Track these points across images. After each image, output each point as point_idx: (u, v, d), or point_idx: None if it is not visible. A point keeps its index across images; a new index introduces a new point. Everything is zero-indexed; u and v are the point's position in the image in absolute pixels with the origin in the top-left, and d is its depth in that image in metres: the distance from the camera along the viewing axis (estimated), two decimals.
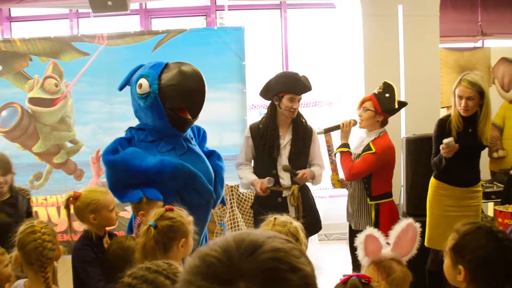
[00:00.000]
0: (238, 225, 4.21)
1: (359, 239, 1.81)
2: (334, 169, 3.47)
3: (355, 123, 3.44)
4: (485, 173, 4.12)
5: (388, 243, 1.84)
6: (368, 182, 3.31)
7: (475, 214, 3.27)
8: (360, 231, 1.93)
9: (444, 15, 4.92)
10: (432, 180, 3.36)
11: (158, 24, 5.83)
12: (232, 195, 4.27)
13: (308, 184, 3.43)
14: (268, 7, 6.02)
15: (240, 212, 4.29)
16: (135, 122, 2.83)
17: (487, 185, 4.59)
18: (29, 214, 3.30)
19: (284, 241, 0.74)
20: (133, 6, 5.26)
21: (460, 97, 3.15)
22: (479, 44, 5.64)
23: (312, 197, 3.44)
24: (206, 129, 3.05)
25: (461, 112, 3.17)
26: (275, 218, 1.96)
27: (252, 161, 3.45)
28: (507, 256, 1.62)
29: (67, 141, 4.73)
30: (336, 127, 3.46)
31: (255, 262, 0.69)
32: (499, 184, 4.64)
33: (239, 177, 3.40)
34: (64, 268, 2.74)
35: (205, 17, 5.90)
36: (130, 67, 2.81)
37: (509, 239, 1.65)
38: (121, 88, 2.78)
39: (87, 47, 4.63)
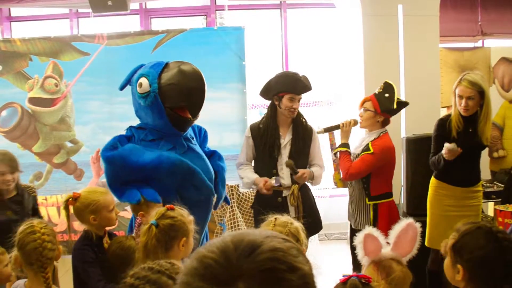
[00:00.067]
0: (238, 225, 4.21)
1: (358, 239, 1.81)
2: (336, 168, 3.47)
3: (355, 123, 3.45)
4: (485, 173, 4.12)
5: (388, 243, 1.84)
6: (367, 182, 3.31)
7: (476, 214, 3.27)
8: (360, 230, 1.93)
9: (444, 15, 4.92)
10: (433, 180, 3.36)
11: (158, 24, 5.83)
12: (232, 195, 4.27)
13: (308, 184, 3.43)
14: (268, 7, 6.02)
15: (240, 212, 4.29)
16: (135, 122, 2.83)
17: (487, 185, 4.59)
18: (35, 211, 3.31)
19: (282, 240, 0.74)
20: (133, 6, 5.25)
21: (460, 97, 3.15)
22: (479, 44, 5.64)
23: (313, 196, 3.44)
24: (206, 129, 3.06)
25: (461, 112, 3.17)
26: (275, 219, 1.96)
27: (253, 161, 3.45)
28: (506, 256, 1.61)
29: (67, 141, 4.73)
30: (336, 127, 3.47)
31: (253, 263, 0.68)
32: (499, 184, 4.64)
33: (240, 177, 3.40)
34: (64, 268, 2.74)
35: (205, 17, 5.90)
36: (130, 67, 2.81)
37: (508, 239, 1.65)
38: (122, 88, 2.78)
39: (87, 47, 4.64)
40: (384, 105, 3.31)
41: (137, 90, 2.61)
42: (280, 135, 3.33)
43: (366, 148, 3.30)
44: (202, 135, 2.99)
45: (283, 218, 1.96)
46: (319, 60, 5.86)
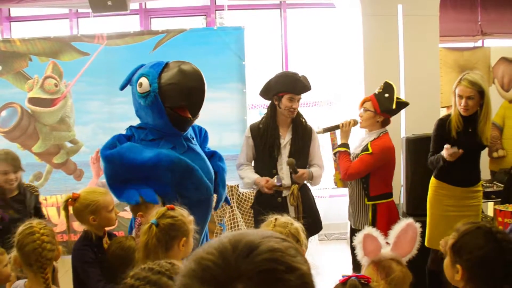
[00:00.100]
0: (238, 225, 4.21)
1: (358, 239, 1.81)
2: (337, 168, 3.47)
3: (355, 123, 3.45)
4: (485, 172, 4.12)
5: (387, 243, 1.84)
6: (366, 182, 3.31)
7: (476, 214, 3.27)
8: (359, 230, 1.93)
9: (444, 15, 4.92)
10: (433, 180, 3.36)
11: (157, 24, 5.83)
12: (232, 195, 4.26)
13: (308, 184, 3.43)
14: (267, 7, 6.02)
15: (240, 212, 4.29)
16: (135, 122, 2.83)
17: (487, 184, 4.59)
18: (37, 210, 3.34)
19: (279, 240, 0.74)
20: (133, 6, 5.25)
21: (460, 97, 3.15)
22: (479, 43, 5.64)
23: (312, 197, 3.44)
24: (206, 128, 3.06)
25: (461, 112, 3.17)
26: (276, 219, 1.95)
27: (253, 161, 3.45)
28: (505, 256, 1.61)
29: (67, 141, 4.73)
30: (335, 127, 3.47)
31: (251, 264, 0.68)
32: (499, 184, 4.64)
33: (241, 177, 3.40)
34: (64, 269, 2.74)
35: (204, 17, 5.90)
36: (130, 67, 2.81)
37: (508, 240, 1.65)
38: (122, 88, 2.79)
39: (86, 47, 4.64)
40: (384, 105, 3.31)
41: (137, 89, 2.62)
42: (280, 135, 3.33)
43: (365, 148, 3.30)
44: (202, 135, 2.99)
45: (283, 218, 1.96)
46: (319, 60, 5.86)
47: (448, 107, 4.36)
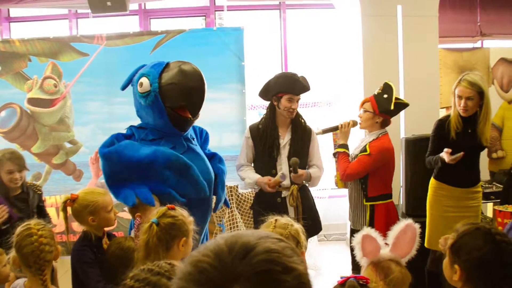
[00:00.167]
0: (237, 226, 4.21)
1: (356, 239, 1.81)
2: (338, 169, 3.48)
3: (354, 124, 3.45)
4: (484, 173, 4.12)
5: (386, 244, 1.84)
6: (365, 183, 3.32)
7: (475, 215, 3.27)
8: (358, 231, 1.93)
9: (443, 16, 4.93)
10: (432, 181, 3.37)
11: (157, 25, 5.83)
12: (232, 195, 4.26)
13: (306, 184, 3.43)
14: (267, 7, 6.02)
15: (239, 213, 4.29)
16: (134, 123, 2.83)
17: (486, 185, 4.59)
18: (40, 209, 3.36)
19: (276, 241, 0.74)
20: (132, 6, 5.25)
21: (460, 97, 3.15)
22: (478, 44, 5.64)
23: (312, 197, 3.44)
24: (205, 129, 3.06)
25: (460, 112, 3.17)
26: (276, 220, 1.95)
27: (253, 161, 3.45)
28: (504, 258, 1.61)
29: (66, 142, 4.73)
30: (334, 128, 3.48)
31: (248, 265, 0.68)
32: (498, 185, 4.64)
33: (242, 177, 3.40)
34: (63, 269, 2.74)
35: (204, 17, 5.90)
36: (129, 68, 2.81)
37: (507, 241, 1.65)
38: (123, 88, 2.80)
39: (86, 48, 4.63)
40: (383, 106, 3.31)
41: (138, 89, 2.63)
42: (279, 136, 3.33)
43: (364, 149, 3.30)
44: (203, 136, 2.99)
45: (283, 219, 1.96)
46: (318, 61, 5.87)
47: (448, 107, 4.36)
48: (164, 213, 2.00)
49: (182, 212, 2.04)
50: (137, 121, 2.81)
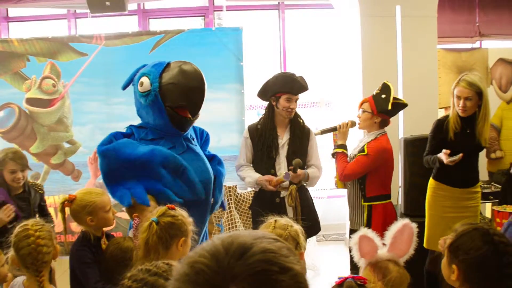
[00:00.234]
0: (236, 226, 4.21)
1: (353, 240, 1.81)
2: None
3: (352, 124, 3.46)
4: (482, 173, 4.13)
5: (384, 244, 1.84)
6: (363, 183, 3.32)
7: (474, 215, 3.27)
8: (356, 231, 1.93)
9: (442, 16, 4.93)
10: (431, 181, 3.37)
11: (156, 25, 5.83)
12: (230, 196, 4.26)
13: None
14: (266, 7, 6.02)
15: (238, 213, 4.29)
16: (133, 123, 2.83)
17: (485, 185, 4.59)
18: (41, 208, 3.39)
19: (272, 241, 0.74)
20: (131, 6, 5.25)
21: (459, 97, 3.15)
22: (476, 45, 5.65)
23: (311, 197, 3.44)
24: (204, 129, 3.06)
25: (459, 113, 3.18)
26: (275, 221, 1.95)
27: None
28: (501, 258, 1.61)
29: (65, 142, 4.72)
30: (333, 129, 3.48)
31: (245, 266, 0.68)
32: (497, 185, 4.64)
33: (242, 177, 3.40)
34: (61, 269, 2.73)
35: (203, 17, 5.90)
36: (128, 68, 2.81)
37: (505, 242, 1.65)
38: (124, 87, 2.81)
39: (85, 48, 4.63)
40: (381, 106, 3.31)
41: (138, 89, 2.64)
42: (278, 135, 3.33)
43: (362, 150, 3.31)
44: (204, 138, 3.00)
45: (282, 220, 1.96)
46: (317, 61, 5.87)
47: (446, 108, 4.36)
48: (164, 212, 2.00)
49: (181, 212, 2.04)
50: (135, 121, 2.81)
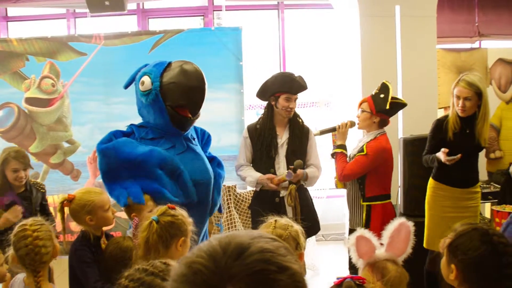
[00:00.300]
0: (235, 226, 4.21)
1: (350, 241, 1.81)
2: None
3: (352, 124, 3.46)
4: (482, 173, 4.13)
5: (382, 244, 1.84)
6: (362, 183, 3.32)
7: (474, 215, 3.27)
8: (355, 230, 1.93)
9: (441, 16, 4.93)
10: (431, 181, 3.37)
11: (155, 24, 5.83)
12: (230, 195, 4.26)
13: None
14: (265, 7, 6.02)
15: (237, 213, 4.28)
16: (132, 122, 2.83)
17: (484, 185, 4.59)
18: (43, 207, 3.40)
19: (269, 240, 0.74)
20: (131, 6, 5.25)
21: (458, 97, 3.15)
22: (476, 45, 5.65)
23: (310, 197, 3.44)
24: (203, 128, 3.05)
25: (458, 113, 3.18)
26: (275, 221, 1.95)
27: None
28: (500, 259, 1.62)
29: (64, 141, 4.71)
30: (332, 129, 3.48)
31: (242, 265, 0.68)
32: (496, 185, 4.65)
33: (242, 177, 3.40)
34: (60, 269, 2.73)
35: (202, 17, 5.90)
36: (128, 67, 2.82)
37: (504, 243, 1.66)
38: (126, 86, 2.82)
39: (84, 47, 4.62)
40: (380, 106, 3.32)
41: (139, 88, 2.64)
42: (277, 135, 3.34)
43: (361, 149, 3.31)
44: (205, 138, 3.00)
45: (283, 220, 1.95)
46: (316, 61, 5.87)
47: (446, 108, 4.36)
48: (164, 211, 2.00)
49: (182, 212, 2.04)
50: (135, 121, 2.82)
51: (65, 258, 2.39)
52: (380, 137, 3.34)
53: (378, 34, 4.52)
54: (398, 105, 3.40)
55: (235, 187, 4.29)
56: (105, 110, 4.62)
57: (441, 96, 4.79)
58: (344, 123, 3.45)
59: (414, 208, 3.76)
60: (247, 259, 0.69)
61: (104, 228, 2.48)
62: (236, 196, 4.32)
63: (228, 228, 4.18)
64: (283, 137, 3.35)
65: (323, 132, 3.51)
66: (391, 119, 3.45)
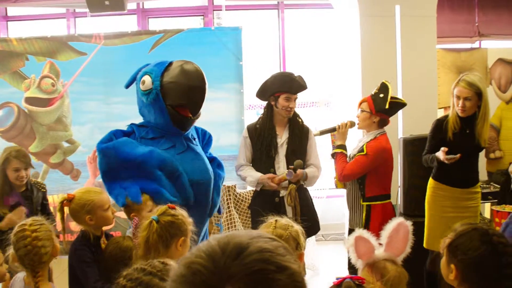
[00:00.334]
0: (235, 226, 4.21)
1: (349, 242, 1.81)
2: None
3: (351, 124, 3.46)
4: (481, 173, 4.14)
5: (380, 244, 1.84)
6: (362, 183, 3.32)
7: (474, 215, 3.27)
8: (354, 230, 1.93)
9: (441, 16, 4.93)
10: (431, 181, 3.36)
11: (155, 24, 5.83)
12: (229, 195, 4.26)
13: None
14: (265, 7, 6.02)
15: (237, 213, 4.28)
16: (132, 122, 2.84)
17: (484, 185, 4.59)
18: (43, 206, 3.40)
19: (268, 240, 0.74)
20: (130, 5, 5.25)
21: (458, 97, 3.15)
22: (476, 45, 5.65)
23: (310, 197, 3.44)
24: (203, 128, 3.05)
25: (458, 113, 3.18)
26: (276, 221, 1.95)
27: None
28: (500, 259, 1.62)
29: (64, 141, 4.71)
30: (332, 129, 3.48)
31: (241, 265, 0.68)
32: (496, 185, 4.65)
33: (243, 177, 3.40)
34: (60, 268, 2.73)
35: (202, 17, 5.90)
36: (128, 67, 2.82)
37: (503, 243, 1.66)
38: (127, 86, 2.82)
39: (84, 47, 4.62)
40: (379, 105, 3.32)
41: (140, 87, 2.65)
42: (277, 134, 3.34)
43: (361, 149, 3.31)
44: (206, 139, 3.00)
45: (283, 220, 1.95)
46: (316, 61, 5.87)
47: (446, 108, 4.37)
48: (165, 211, 2.00)
49: (182, 212, 2.04)
50: (134, 121, 2.82)
51: (65, 258, 2.39)
52: (380, 137, 3.34)
53: (378, 34, 4.52)
54: (397, 105, 3.40)
55: (234, 187, 4.29)
56: (105, 109, 4.62)
57: (441, 96, 4.79)
58: (344, 123, 3.45)
59: (414, 208, 3.76)
60: (246, 259, 0.69)
61: (104, 228, 2.48)
62: (236, 196, 4.32)
63: (228, 228, 4.18)
64: (283, 137, 3.35)
65: (323, 133, 3.52)
66: (391, 119, 3.45)
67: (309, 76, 3.51)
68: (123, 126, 2.83)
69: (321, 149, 3.67)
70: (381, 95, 3.32)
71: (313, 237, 4.29)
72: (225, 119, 4.58)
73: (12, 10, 5.81)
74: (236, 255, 0.69)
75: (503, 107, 5.44)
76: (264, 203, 3.17)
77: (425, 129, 3.52)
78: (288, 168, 3.23)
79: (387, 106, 3.29)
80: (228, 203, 4.23)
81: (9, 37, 4.92)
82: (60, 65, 4.64)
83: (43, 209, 3.37)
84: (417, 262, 1.97)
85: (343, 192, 3.60)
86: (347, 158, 3.40)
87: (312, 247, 4.43)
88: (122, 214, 4.19)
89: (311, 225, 3.28)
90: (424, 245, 3.31)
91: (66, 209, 2.36)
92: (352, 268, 2.51)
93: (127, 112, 4.15)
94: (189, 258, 0.72)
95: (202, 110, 2.69)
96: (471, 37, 5.57)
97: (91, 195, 2.37)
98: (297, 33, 5.92)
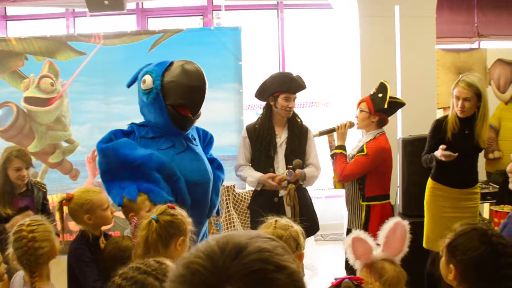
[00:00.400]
0: (234, 226, 4.21)
1: (347, 242, 1.81)
2: (335, 170, 3.48)
3: (351, 125, 3.46)
4: (480, 174, 4.14)
5: (378, 244, 1.84)
6: (362, 183, 3.32)
7: (473, 216, 3.27)
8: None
9: (441, 16, 4.94)
10: (429, 181, 3.37)
11: (154, 24, 5.83)
12: (228, 195, 4.26)
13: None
14: (265, 7, 6.02)
15: (236, 213, 4.28)
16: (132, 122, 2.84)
17: (483, 186, 4.59)
18: (44, 206, 3.40)
19: (267, 240, 0.74)
20: (130, 5, 5.25)
21: (457, 98, 3.15)
22: (475, 45, 5.66)
23: (309, 197, 3.44)
24: (203, 128, 3.05)
25: (458, 113, 3.18)
26: (276, 221, 1.95)
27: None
28: (499, 259, 1.62)
29: (63, 141, 4.71)
30: (332, 130, 3.48)
31: (240, 265, 0.68)
32: (495, 185, 4.65)
33: (243, 177, 3.40)
34: (59, 268, 2.72)
35: (201, 17, 5.90)
36: (127, 67, 2.83)
37: (502, 243, 1.66)
38: (129, 85, 2.83)
39: (83, 47, 4.62)
40: (378, 105, 3.32)
41: (141, 86, 2.65)
42: (276, 134, 3.34)
43: (361, 150, 3.31)
44: (207, 140, 3.00)
45: (283, 220, 1.95)
46: (315, 61, 5.87)
47: (445, 108, 4.37)
48: (164, 211, 2.01)
49: (181, 212, 2.05)
50: (134, 121, 2.82)
51: (64, 258, 2.39)
52: (379, 137, 3.34)
53: (377, 34, 4.52)
54: (396, 105, 3.40)
55: (234, 187, 4.29)
56: (104, 109, 4.62)
57: (440, 97, 4.79)
58: (343, 124, 3.45)
59: (413, 208, 3.76)
60: (244, 258, 0.69)
61: (103, 228, 2.48)
62: (235, 196, 4.32)
63: (227, 228, 4.18)
64: (282, 137, 3.35)
65: (322, 133, 3.52)
66: (390, 119, 3.45)
67: (309, 76, 3.52)
68: (123, 126, 2.83)
69: (321, 149, 3.67)
70: (380, 95, 3.32)
71: (312, 237, 4.29)
72: (224, 119, 4.58)
73: (11, 10, 5.81)
74: (235, 255, 0.69)
75: (502, 108, 5.45)
76: (263, 203, 3.17)
77: (424, 130, 3.52)
78: (287, 168, 3.23)
79: (386, 106, 3.29)
80: (227, 203, 4.23)
81: (8, 36, 4.92)
82: (59, 65, 4.64)
83: (43, 209, 3.37)
84: (417, 262, 1.97)
85: (342, 192, 3.60)
86: (347, 158, 3.39)
87: (311, 247, 4.43)
88: (121, 214, 4.18)
89: (310, 225, 3.28)
90: (424, 245, 3.31)
91: (65, 209, 2.36)
92: (350, 268, 2.51)
93: (126, 112, 4.14)
94: (188, 258, 0.72)
95: (201, 110, 2.70)
96: (470, 37, 5.58)
97: (90, 194, 2.37)
98: (297, 33, 5.93)
